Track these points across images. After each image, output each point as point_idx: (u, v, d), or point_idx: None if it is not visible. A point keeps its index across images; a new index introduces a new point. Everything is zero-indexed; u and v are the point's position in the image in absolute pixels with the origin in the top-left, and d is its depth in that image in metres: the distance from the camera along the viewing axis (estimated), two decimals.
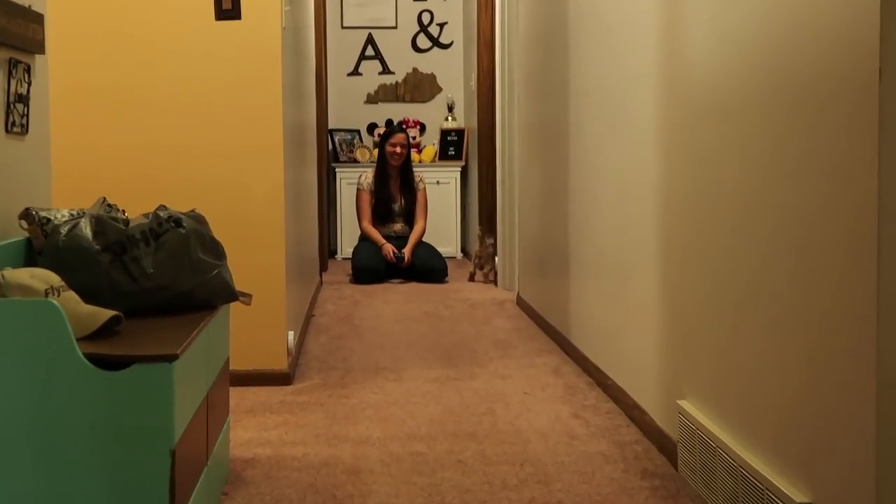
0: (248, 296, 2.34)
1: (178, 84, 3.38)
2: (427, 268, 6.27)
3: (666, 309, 2.70)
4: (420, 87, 8.18)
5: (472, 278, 6.27)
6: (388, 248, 6.33)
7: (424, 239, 6.59)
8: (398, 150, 6.58)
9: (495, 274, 6.07)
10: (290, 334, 3.54)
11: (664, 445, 2.65)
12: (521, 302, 5.22)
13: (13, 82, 2.18)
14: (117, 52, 3.35)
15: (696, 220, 2.43)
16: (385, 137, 6.64)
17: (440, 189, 7.64)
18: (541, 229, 4.66)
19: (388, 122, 8.03)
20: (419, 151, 7.82)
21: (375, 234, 6.47)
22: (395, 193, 6.62)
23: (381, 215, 6.59)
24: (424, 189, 6.73)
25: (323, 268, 6.54)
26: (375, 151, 7.74)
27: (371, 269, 6.24)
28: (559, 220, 4.15)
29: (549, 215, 4.41)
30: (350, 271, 6.48)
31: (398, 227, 6.59)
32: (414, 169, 6.78)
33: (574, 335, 3.88)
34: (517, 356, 3.96)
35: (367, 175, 6.69)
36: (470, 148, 7.68)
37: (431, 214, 6.92)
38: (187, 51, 3.37)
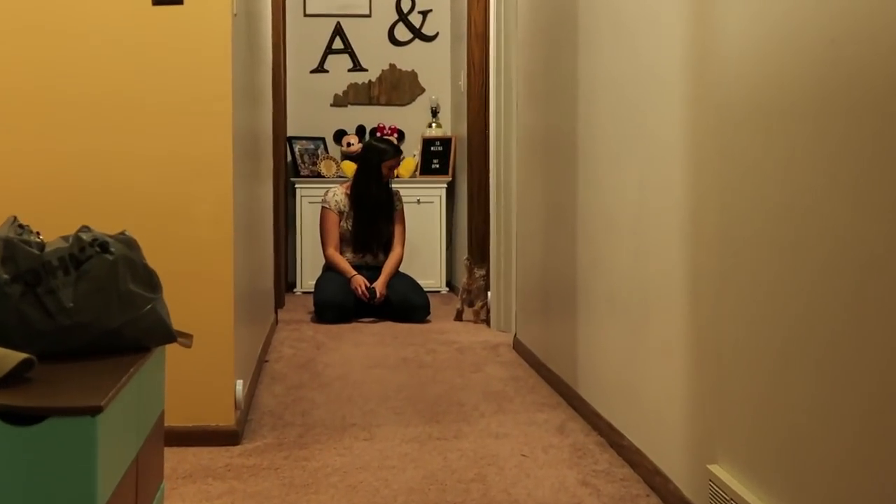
0: (189, 336, 2.32)
1: (106, 82, 3.37)
2: (405, 304, 6.27)
3: (695, 354, 2.69)
4: (398, 87, 8.21)
5: (459, 317, 6.27)
6: (359, 281, 6.33)
7: (402, 269, 6.60)
8: (393, 172, 6.70)
9: (487, 312, 6.07)
10: (239, 383, 3.52)
11: None
12: (518, 346, 5.20)
13: None
14: (31, 44, 3.34)
15: (731, 247, 2.43)
16: (378, 155, 6.60)
17: (421, 209, 7.65)
18: (543, 258, 4.66)
19: (360, 130, 8.04)
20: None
21: (343, 264, 6.47)
22: (375, 217, 6.61)
23: (359, 242, 6.57)
24: (402, 209, 6.76)
25: (279, 304, 6.53)
26: (345, 164, 7.77)
27: (337, 304, 6.23)
28: (565, 248, 4.15)
29: (554, 241, 4.41)
30: (312, 308, 6.47)
31: (370, 257, 6.59)
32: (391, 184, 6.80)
33: (583, 386, 3.87)
34: (514, 411, 3.95)
35: (336, 191, 6.67)
36: (458, 160, 7.70)
37: (411, 240, 6.94)
38: (117, 42, 3.37)
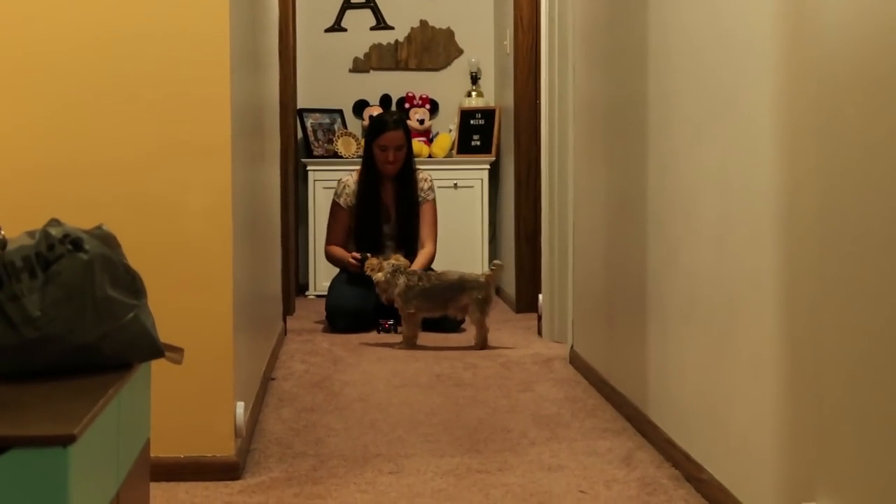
0: (179, 350, 2.33)
1: (77, 46, 3.38)
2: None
3: (790, 370, 2.68)
4: (431, 48, 8.22)
5: (483, 345, 5.96)
6: (350, 257, 6.40)
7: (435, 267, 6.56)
8: (391, 156, 6.44)
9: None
10: (240, 406, 3.54)
11: None
12: (575, 360, 5.20)
13: None
14: None
15: (834, 242, 2.41)
16: (372, 134, 6.52)
17: (460, 195, 7.66)
18: (606, 255, 4.66)
19: (384, 100, 8.06)
20: (429, 142, 7.85)
21: (340, 252, 6.51)
22: (386, 207, 6.57)
23: (365, 239, 6.50)
24: (433, 201, 6.67)
25: (288, 310, 6.56)
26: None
27: (351, 311, 6.23)
28: (633, 243, 4.14)
29: (619, 235, 4.40)
30: (325, 315, 6.49)
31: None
32: (419, 168, 6.69)
33: (654, 408, 3.87)
34: (570, 438, 3.95)
35: (349, 181, 6.64)
36: (503, 137, 7.70)
37: (446, 231, 6.91)
38: (88, 1, 3.38)
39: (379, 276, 5.83)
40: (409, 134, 6.61)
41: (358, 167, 6.73)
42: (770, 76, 2.79)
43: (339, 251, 6.51)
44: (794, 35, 2.64)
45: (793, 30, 2.64)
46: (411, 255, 6.39)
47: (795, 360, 2.65)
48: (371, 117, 6.77)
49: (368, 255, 6.08)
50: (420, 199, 6.59)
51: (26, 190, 3.33)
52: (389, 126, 6.44)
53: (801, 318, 2.62)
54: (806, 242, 2.58)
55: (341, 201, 6.57)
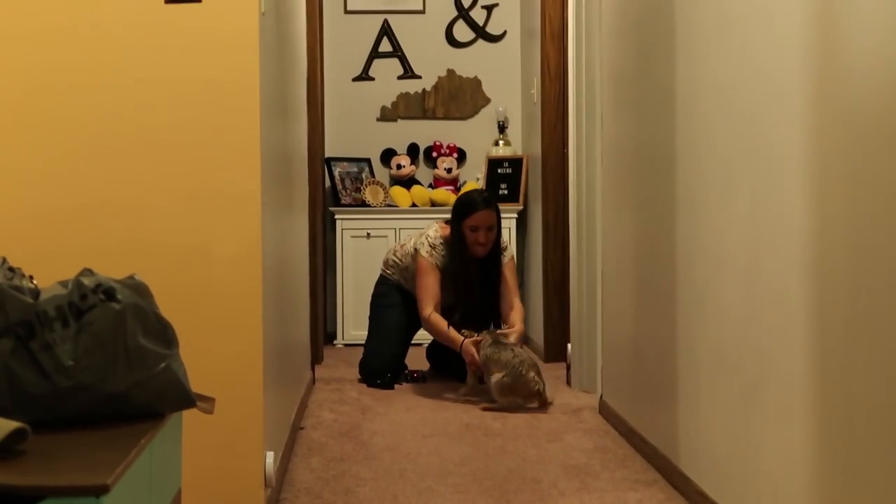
0: (210, 400, 2.34)
1: (109, 96, 3.41)
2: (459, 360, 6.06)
3: (820, 420, 2.67)
4: (458, 97, 8.25)
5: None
6: (471, 351, 5.78)
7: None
8: (482, 237, 6.06)
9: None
10: (269, 456, 3.53)
11: None
12: (605, 409, 5.18)
13: None
14: (17, 51, 3.39)
15: (864, 288, 2.41)
16: (461, 214, 6.08)
17: None
18: (635, 304, 4.65)
19: (412, 149, 8.08)
20: (456, 191, 7.86)
21: (446, 331, 5.99)
22: (471, 283, 6.14)
23: (454, 304, 6.14)
24: (512, 259, 6.31)
25: (316, 359, 6.56)
26: (394, 191, 7.81)
27: (392, 372, 6.17)
28: (662, 290, 4.13)
29: (648, 283, 4.40)
30: (356, 363, 6.47)
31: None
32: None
33: (685, 459, 3.85)
34: (601, 489, 3.94)
35: (435, 237, 6.21)
36: (531, 185, 7.71)
37: None
38: (121, 49, 3.39)
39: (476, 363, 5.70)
40: (499, 213, 6.18)
41: (435, 224, 6.29)
42: (798, 120, 2.79)
43: (442, 327, 5.99)
44: (821, 78, 2.64)
45: (820, 73, 2.65)
46: (490, 321, 6.08)
47: (826, 409, 2.64)
48: (459, 197, 6.35)
49: (476, 335, 5.79)
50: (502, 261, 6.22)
51: (57, 236, 3.34)
52: (479, 206, 6.05)
53: (831, 365, 2.61)
54: (835, 289, 2.57)
55: (427, 256, 6.13)
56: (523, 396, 5.45)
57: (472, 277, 6.09)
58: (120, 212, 3.40)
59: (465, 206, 6.07)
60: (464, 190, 7.81)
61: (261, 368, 3.46)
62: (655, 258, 4.25)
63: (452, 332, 5.91)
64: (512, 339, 5.77)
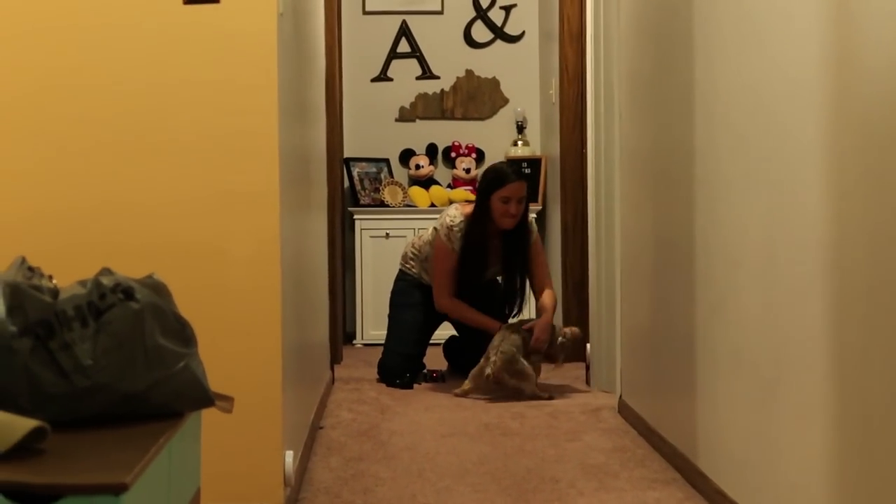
0: (229, 399, 2.34)
1: (128, 97, 3.42)
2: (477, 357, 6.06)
3: (838, 422, 2.66)
4: (477, 97, 8.25)
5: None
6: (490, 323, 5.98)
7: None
8: (513, 208, 6.01)
9: (561, 350, 5.99)
10: (289, 455, 3.54)
11: None
12: (624, 409, 5.18)
13: None
14: (35, 51, 3.40)
15: (885, 294, 2.40)
16: (492, 185, 6.02)
17: None
18: (653, 305, 4.64)
19: (431, 149, 8.08)
20: (475, 191, 7.85)
21: (472, 314, 6.11)
22: (491, 258, 6.19)
23: (464, 293, 6.18)
24: (538, 240, 6.28)
25: (335, 359, 6.56)
26: (413, 191, 7.81)
27: (410, 373, 6.16)
28: (680, 291, 4.13)
29: (666, 284, 4.39)
30: (374, 362, 6.46)
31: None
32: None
33: (704, 458, 3.84)
34: (619, 489, 3.94)
35: (454, 218, 6.16)
36: (549, 185, 7.70)
37: None
38: (139, 49, 3.41)
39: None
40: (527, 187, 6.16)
41: (455, 209, 6.22)
42: (816, 118, 2.79)
43: (467, 311, 6.11)
44: (837, 82, 2.64)
45: (836, 77, 2.64)
46: (514, 307, 6.23)
47: (843, 408, 2.64)
48: (487, 170, 6.27)
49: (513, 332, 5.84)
50: (529, 239, 6.21)
51: (76, 236, 3.35)
52: (511, 177, 6.03)
53: (849, 366, 2.60)
54: (853, 290, 2.57)
55: (447, 240, 6.12)
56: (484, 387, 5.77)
57: (487, 254, 6.13)
58: (139, 212, 3.41)
59: (498, 177, 6.04)
60: None
61: (280, 368, 3.47)
62: (674, 260, 4.25)
63: (481, 317, 6.08)
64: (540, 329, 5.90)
